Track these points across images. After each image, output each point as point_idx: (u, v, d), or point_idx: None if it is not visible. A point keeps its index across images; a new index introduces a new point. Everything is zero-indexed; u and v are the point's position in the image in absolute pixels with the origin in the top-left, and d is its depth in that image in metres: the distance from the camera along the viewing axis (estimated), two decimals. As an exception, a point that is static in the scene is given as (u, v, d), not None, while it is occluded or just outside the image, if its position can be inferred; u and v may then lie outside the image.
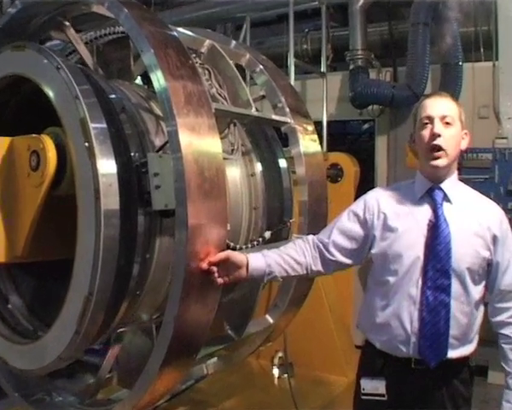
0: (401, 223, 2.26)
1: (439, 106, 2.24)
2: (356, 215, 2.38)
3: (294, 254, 2.38)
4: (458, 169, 2.35)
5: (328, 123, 5.95)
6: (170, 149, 2.30)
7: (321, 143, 4.09)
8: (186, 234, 2.19)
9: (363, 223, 2.35)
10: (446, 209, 2.24)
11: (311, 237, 2.45)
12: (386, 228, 2.29)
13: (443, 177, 2.26)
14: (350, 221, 2.38)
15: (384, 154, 6.20)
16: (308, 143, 3.35)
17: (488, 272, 2.28)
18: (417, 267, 2.21)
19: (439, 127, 2.20)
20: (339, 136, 7.46)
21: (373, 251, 2.33)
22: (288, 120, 3.24)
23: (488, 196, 2.39)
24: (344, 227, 2.39)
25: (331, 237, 2.39)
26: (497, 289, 2.28)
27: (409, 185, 2.36)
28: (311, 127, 3.47)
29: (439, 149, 2.19)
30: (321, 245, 2.39)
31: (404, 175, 2.42)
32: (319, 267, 2.39)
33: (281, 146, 3.54)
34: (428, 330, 2.19)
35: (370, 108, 6.05)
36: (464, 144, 2.29)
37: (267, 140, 3.49)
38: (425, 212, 2.26)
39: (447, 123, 2.21)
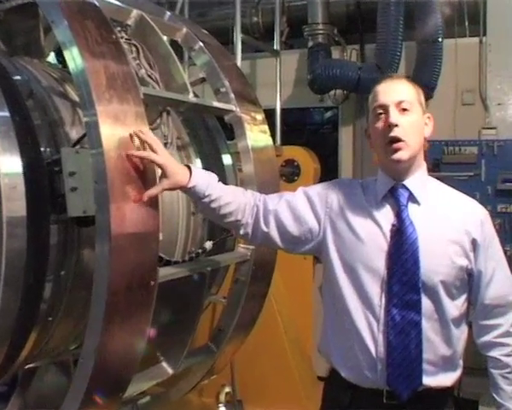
0: (361, 228, 2.29)
1: (392, 91, 2.28)
2: (310, 201, 2.42)
3: (238, 194, 2.44)
4: (427, 163, 2.39)
5: (283, 111, 6.00)
6: (89, 142, 2.28)
7: (273, 135, 4.12)
8: (109, 246, 2.18)
9: (315, 213, 2.39)
10: (413, 211, 2.27)
11: (258, 196, 2.47)
12: (343, 232, 2.32)
13: (406, 173, 2.29)
14: (303, 202, 2.42)
15: (349, 147, 6.30)
16: (257, 135, 3.37)
17: (469, 283, 2.30)
18: (379, 281, 2.24)
19: (394, 116, 2.22)
20: (295, 126, 7.53)
21: (326, 257, 2.36)
22: (233, 108, 3.25)
23: (473, 196, 2.40)
24: (294, 204, 2.42)
25: (277, 206, 2.42)
26: (481, 304, 2.31)
27: (372, 183, 2.39)
28: (260, 116, 3.49)
29: (398, 140, 2.22)
30: (261, 209, 2.42)
31: (372, 172, 2.45)
32: (248, 230, 2.44)
33: (224, 139, 3.56)
34: (397, 355, 2.21)
35: (333, 93, 6.14)
36: (428, 131, 2.34)
37: (208, 132, 3.50)
38: (387, 215, 2.28)
39: (404, 109, 2.24)
